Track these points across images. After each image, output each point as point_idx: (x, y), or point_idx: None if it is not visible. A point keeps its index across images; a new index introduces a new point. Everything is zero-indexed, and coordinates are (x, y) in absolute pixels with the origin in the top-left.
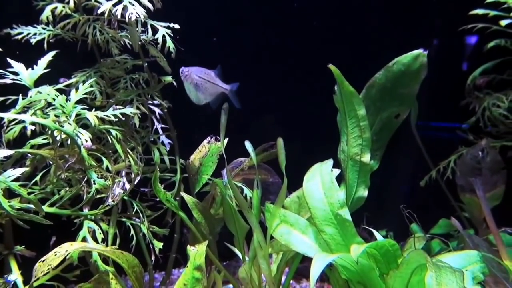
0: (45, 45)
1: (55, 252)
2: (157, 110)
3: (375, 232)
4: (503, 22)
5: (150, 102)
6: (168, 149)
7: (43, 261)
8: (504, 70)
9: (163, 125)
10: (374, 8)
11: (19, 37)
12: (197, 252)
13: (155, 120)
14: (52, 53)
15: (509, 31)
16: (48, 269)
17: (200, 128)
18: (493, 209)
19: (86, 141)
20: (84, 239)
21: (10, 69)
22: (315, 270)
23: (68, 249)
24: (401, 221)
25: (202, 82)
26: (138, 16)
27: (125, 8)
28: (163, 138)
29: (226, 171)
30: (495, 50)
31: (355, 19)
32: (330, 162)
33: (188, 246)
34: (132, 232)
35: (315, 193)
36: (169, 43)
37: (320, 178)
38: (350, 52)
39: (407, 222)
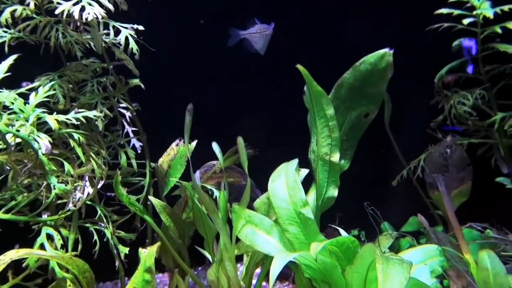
0: (6, 49)
1: None
2: (127, 114)
3: (340, 230)
4: (465, 21)
5: (120, 105)
6: (139, 152)
7: None
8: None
9: (133, 128)
10: (341, 9)
11: None
12: (147, 254)
13: (125, 123)
14: (13, 56)
15: (472, 29)
16: None
17: (173, 130)
18: (462, 205)
19: (46, 145)
20: (42, 246)
21: None
22: (275, 270)
23: (12, 256)
24: (375, 221)
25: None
26: (96, 16)
27: (83, 9)
28: (134, 141)
29: (197, 173)
30: (462, 49)
31: (323, 20)
32: (295, 162)
33: (140, 249)
34: (96, 237)
35: (279, 193)
36: (132, 45)
37: (285, 178)
38: (320, 52)
39: (380, 221)
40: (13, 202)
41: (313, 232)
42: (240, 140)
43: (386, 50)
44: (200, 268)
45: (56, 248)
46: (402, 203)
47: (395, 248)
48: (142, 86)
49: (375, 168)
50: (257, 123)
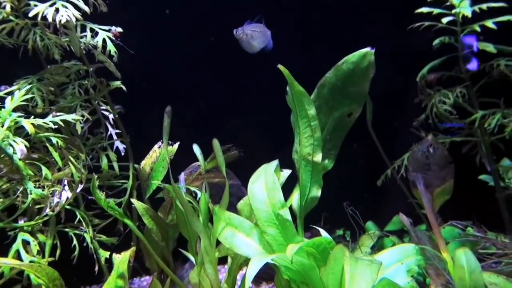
0: None
1: None
2: (110, 116)
3: (321, 230)
4: (445, 20)
5: (102, 108)
6: (122, 154)
7: None
8: (453, 67)
9: (117, 131)
10: (323, 8)
11: None
12: (120, 259)
13: (108, 126)
14: None
15: (452, 28)
16: None
17: (157, 133)
18: (445, 204)
19: (21, 149)
20: (18, 253)
21: None
22: (251, 272)
23: None
24: (355, 221)
25: (255, 33)
26: (69, 18)
27: (57, 11)
28: (117, 143)
29: (182, 175)
30: (445, 47)
31: (304, 20)
32: (274, 163)
33: (114, 254)
34: (75, 242)
35: (258, 194)
36: (110, 47)
37: (264, 180)
38: (302, 52)
39: (360, 221)
40: None
41: (291, 233)
42: (215, 143)
43: (367, 49)
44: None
45: (32, 255)
46: (388, 203)
47: (378, 248)
48: (124, 88)
49: (360, 168)
50: (244, 123)
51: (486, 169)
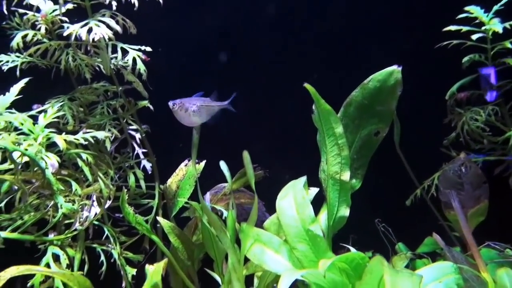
0: (18, 72)
1: None
2: (136, 135)
3: (352, 249)
4: (474, 36)
5: (129, 127)
6: (150, 173)
7: None
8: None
9: (143, 150)
10: (349, 26)
11: None
12: (154, 270)
13: (135, 145)
14: (25, 80)
15: (482, 45)
16: None
17: (181, 152)
18: (480, 225)
19: (53, 164)
20: (48, 266)
21: None
22: (282, 287)
23: (12, 273)
24: (389, 240)
25: (198, 109)
26: (103, 37)
27: (90, 30)
28: (144, 162)
29: (208, 194)
30: (474, 65)
31: (332, 39)
32: (303, 179)
33: (146, 265)
34: (103, 258)
35: (287, 210)
36: (140, 66)
37: (293, 195)
38: (328, 71)
39: (393, 239)
40: (20, 221)
41: (322, 249)
42: (246, 155)
43: (394, 67)
44: None
45: (62, 269)
46: (417, 225)
47: (412, 270)
48: (151, 107)
49: (387, 188)
50: (267, 144)
51: None
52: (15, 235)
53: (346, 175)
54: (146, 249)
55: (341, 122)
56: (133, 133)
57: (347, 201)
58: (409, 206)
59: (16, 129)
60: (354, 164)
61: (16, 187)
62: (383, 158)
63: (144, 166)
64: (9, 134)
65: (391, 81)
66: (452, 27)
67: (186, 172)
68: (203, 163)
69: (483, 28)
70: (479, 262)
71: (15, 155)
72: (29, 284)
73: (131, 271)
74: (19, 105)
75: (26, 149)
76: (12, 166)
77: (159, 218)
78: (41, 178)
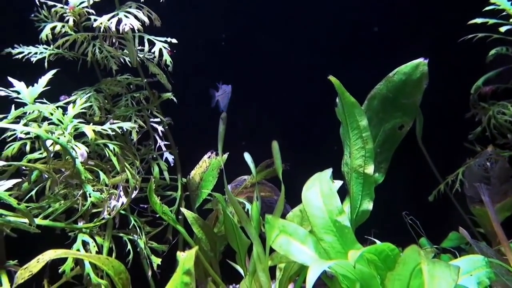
0: (46, 64)
1: (38, 259)
2: (159, 128)
3: (377, 242)
4: (502, 29)
5: (151, 119)
6: (172, 165)
7: (26, 268)
8: (508, 79)
9: (166, 142)
10: (374, 18)
11: (20, 56)
12: (186, 257)
13: (157, 137)
14: (53, 71)
15: (509, 38)
16: (29, 275)
17: (203, 144)
18: (505, 221)
19: (83, 153)
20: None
21: (11, 88)
22: (311, 277)
23: (50, 256)
24: (411, 237)
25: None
26: (132, 27)
27: (119, 21)
28: (166, 154)
29: (229, 187)
30: (498, 59)
31: (354, 30)
32: (329, 171)
33: (178, 252)
34: (130, 247)
35: (314, 201)
36: (166, 57)
37: (319, 186)
38: (351, 63)
39: (421, 232)
40: (50, 209)
41: (350, 240)
42: (275, 145)
43: (420, 59)
44: (236, 286)
45: None
46: (440, 220)
47: None
48: (175, 99)
49: (410, 183)
50: (288, 137)
51: None
52: (47, 222)
53: (370, 169)
54: (168, 239)
55: (365, 114)
56: (155, 125)
57: (370, 194)
58: (429, 201)
59: (44, 119)
60: (377, 158)
61: (46, 176)
62: (404, 152)
63: (166, 158)
64: (39, 124)
65: (417, 74)
66: (478, 20)
67: (209, 164)
68: (226, 155)
69: (511, 20)
70: (510, 257)
71: (48, 144)
72: (60, 270)
73: (157, 261)
74: (46, 97)
75: (58, 138)
76: (39, 156)
77: (183, 209)
78: (71, 167)
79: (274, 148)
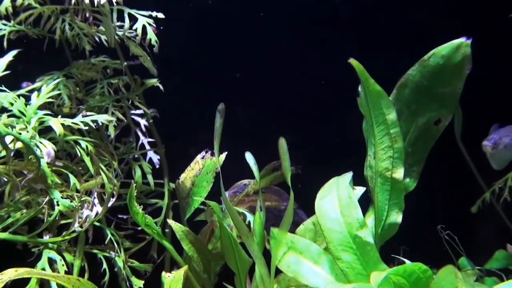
0: (5, 43)
1: None
2: (141, 121)
3: (407, 261)
4: None
5: (133, 111)
6: (157, 167)
7: None
8: None
9: (149, 139)
10: None
11: None
12: (173, 278)
13: (139, 133)
14: (13, 52)
15: None
16: None
17: (195, 142)
18: None
19: (49, 152)
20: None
21: None
22: None
23: (11, 275)
24: (448, 256)
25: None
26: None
27: None
28: (151, 154)
29: (226, 194)
30: None
31: (382, 5)
32: (348, 175)
33: (163, 273)
34: (105, 266)
35: (329, 212)
36: (151, 35)
37: (336, 194)
38: (376, 46)
39: (460, 251)
40: (10, 220)
41: (373, 260)
42: (282, 142)
43: (462, 39)
44: None
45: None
46: (483, 236)
47: None
48: (161, 87)
49: (447, 190)
50: (299, 134)
51: None
52: (6, 235)
53: (399, 173)
54: (153, 257)
55: (393, 106)
56: (137, 118)
57: (399, 204)
58: (471, 213)
59: (3, 110)
60: (408, 159)
61: (5, 179)
62: (441, 153)
63: (150, 159)
64: None
65: (458, 57)
66: None
67: (203, 166)
68: (223, 156)
69: None
70: None
71: (7, 140)
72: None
73: (138, 283)
74: (6, 83)
75: (20, 133)
76: None
77: (170, 221)
78: (35, 169)
79: (282, 147)
